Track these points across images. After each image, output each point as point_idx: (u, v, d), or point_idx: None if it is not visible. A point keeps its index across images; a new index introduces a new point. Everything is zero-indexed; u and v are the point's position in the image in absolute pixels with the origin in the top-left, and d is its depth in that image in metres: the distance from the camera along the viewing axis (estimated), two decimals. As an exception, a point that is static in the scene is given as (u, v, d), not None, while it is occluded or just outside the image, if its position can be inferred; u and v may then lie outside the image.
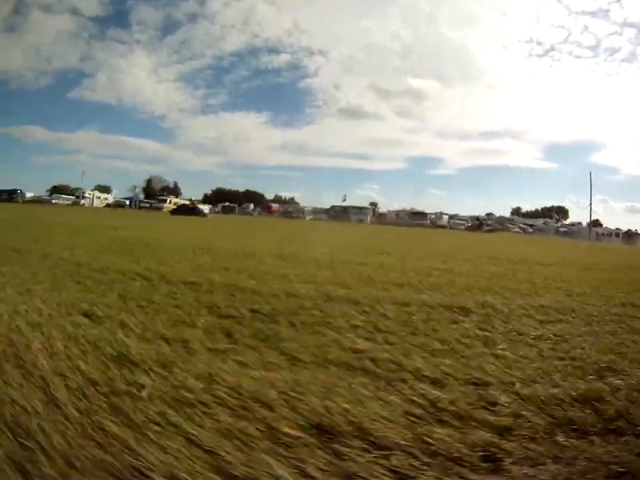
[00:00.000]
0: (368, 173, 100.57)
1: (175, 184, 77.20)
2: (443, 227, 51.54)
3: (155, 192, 69.58)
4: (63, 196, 53.39)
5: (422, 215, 54.72)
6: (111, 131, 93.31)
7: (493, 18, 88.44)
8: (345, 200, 60.72)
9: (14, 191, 47.29)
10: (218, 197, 69.48)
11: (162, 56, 77.51)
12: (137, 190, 72.73)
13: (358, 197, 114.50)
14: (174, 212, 39.48)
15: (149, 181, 75.74)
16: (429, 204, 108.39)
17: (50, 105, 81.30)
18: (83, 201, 53.09)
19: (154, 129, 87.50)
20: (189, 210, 41.06)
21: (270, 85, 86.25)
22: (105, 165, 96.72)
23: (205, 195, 73.60)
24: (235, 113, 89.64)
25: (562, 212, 73.47)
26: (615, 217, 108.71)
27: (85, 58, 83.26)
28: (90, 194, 56.55)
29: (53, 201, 49.73)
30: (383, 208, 65.51)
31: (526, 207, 77.17)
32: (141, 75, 78.36)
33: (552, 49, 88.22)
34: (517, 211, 74.62)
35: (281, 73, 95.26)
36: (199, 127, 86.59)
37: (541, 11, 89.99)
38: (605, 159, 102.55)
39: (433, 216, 55.92)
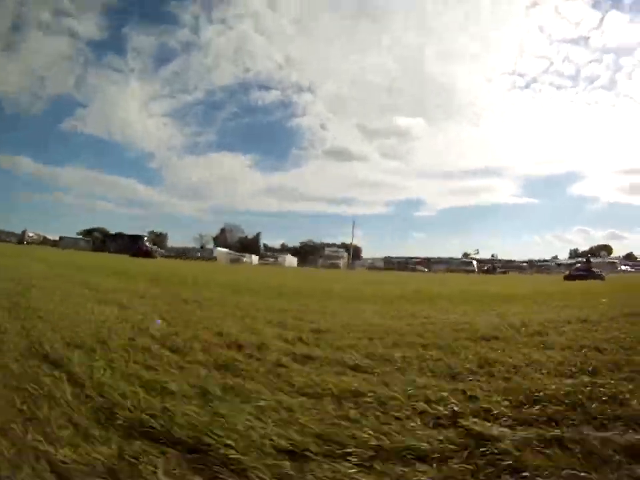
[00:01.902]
0: (351, 218, 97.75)
1: (258, 235, 74.89)
2: (471, 271, 50.65)
3: (227, 243, 67.31)
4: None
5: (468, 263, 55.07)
6: (98, 167, 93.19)
7: (478, 51, 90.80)
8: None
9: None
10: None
11: (155, 87, 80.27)
12: (205, 239, 70.88)
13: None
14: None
15: (223, 231, 74.07)
16: (410, 247, 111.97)
17: (42, 135, 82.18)
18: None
19: (141, 168, 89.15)
20: None
21: (259, 123, 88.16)
22: (88, 205, 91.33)
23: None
24: (222, 154, 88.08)
25: (606, 249, 72.70)
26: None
27: (80, 83, 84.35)
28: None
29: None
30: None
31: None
32: (133, 106, 78.68)
33: (534, 80, 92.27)
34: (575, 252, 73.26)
35: (271, 111, 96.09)
36: (186, 169, 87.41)
37: (524, 41, 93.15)
38: (584, 189, 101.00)
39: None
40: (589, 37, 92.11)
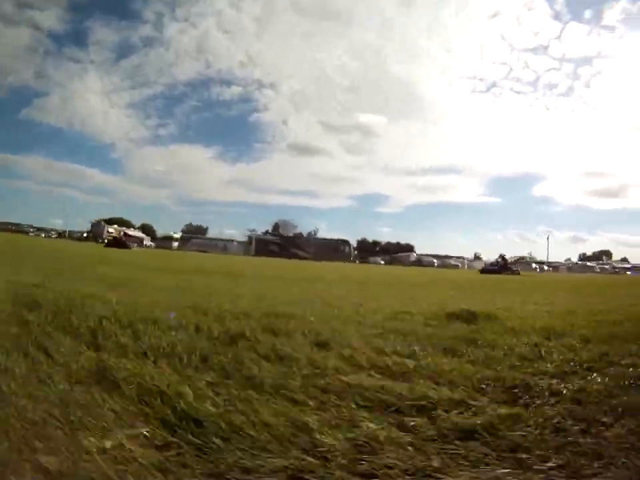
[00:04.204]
0: (316, 210, 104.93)
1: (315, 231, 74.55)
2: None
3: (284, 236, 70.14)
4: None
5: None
6: (58, 156, 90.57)
7: (439, 54, 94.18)
8: None
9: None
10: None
11: (115, 80, 77.52)
12: (253, 233, 73.03)
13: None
14: None
15: (276, 226, 75.44)
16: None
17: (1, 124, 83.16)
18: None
19: (103, 158, 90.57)
20: None
21: (220, 117, 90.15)
22: (53, 193, 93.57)
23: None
24: (184, 146, 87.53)
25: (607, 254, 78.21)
26: (560, 248, 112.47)
27: (40, 74, 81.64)
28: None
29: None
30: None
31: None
32: (93, 98, 77.92)
33: (494, 85, 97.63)
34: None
35: (232, 106, 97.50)
36: (148, 159, 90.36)
37: (484, 48, 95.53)
38: (546, 190, 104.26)
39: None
40: (548, 46, 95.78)
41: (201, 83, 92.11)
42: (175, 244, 63.25)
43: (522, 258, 66.55)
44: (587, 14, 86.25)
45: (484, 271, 36.40)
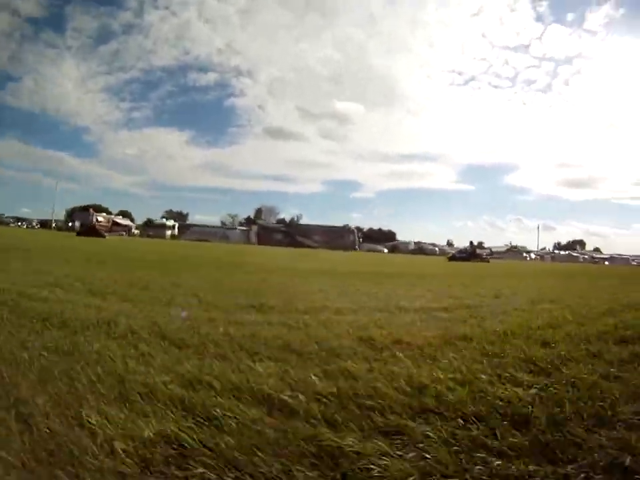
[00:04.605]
0: (291, 195, 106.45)
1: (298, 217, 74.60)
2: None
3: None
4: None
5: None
6: (31, 140, 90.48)
7: (420, 48, 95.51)
8: None
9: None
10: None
11: (92, 66, 77.42)
12: (234, 219, 72.78)
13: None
14: None
15: (259, 211, 75.26)
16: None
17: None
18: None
19: (76, 142, 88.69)
20: None
21: (195, 102, 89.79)
22: (26, 179, 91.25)
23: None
24: (159, 129, 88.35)
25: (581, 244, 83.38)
26: (529, 235, 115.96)
27: (14, 59, 78.96)
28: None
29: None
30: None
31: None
32: (68, 83, 79.09)
33: (472, 78, 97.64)
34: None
35: (208, 91, 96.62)
36: (122, 143, 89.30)
37: (465, 44, 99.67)
38: (518, 180, 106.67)
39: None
40: (529, 45, 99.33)
41: (178, 68, 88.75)
42: (168, 232, 59.36)
43: (514, 247, 70.16)
44: (570, 17, 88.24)
45: (452, 258, 35.74)
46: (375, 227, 74.88)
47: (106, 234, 41.71)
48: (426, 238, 76.63)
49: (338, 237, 56.84)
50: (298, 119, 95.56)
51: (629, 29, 78.76)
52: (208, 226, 63.97)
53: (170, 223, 63.24)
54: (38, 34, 78.32)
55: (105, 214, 59.67)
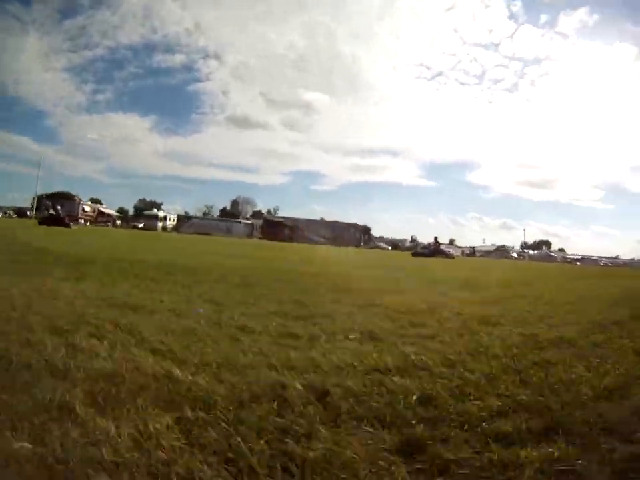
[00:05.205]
0: (253, 186, 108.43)
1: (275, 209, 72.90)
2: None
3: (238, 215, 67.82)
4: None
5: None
6: None
7: (387, 39, 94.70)
8: None
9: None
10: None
11: (56, 41, 76.61)
12: (212, 210, 70.99)
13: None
14: None
15: (235, 202, 73.83)
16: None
17: None
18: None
19: (36, 126, 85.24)
20: None
21: (160, 86, 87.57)
22: None
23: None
24: (120, 114, 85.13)
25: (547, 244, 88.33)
26: (489, 233, 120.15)
27: None
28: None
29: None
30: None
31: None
32: (29, 58, 73.50)
33: (440, 74, 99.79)
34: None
35: (174, 74, 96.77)
36: (83, 127, 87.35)
37: (435, 39, 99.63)
38: (480, 178, 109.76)
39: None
40: (499, 44, 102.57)
41: (144, 47, 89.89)
42: (159, 224, 54.87)
43: (502, 246, 74.26)
44: (543, 18, 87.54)
45: (416, 254, 35.34)
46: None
47: (78, 224, 39.35)
48: (385, 233, 75.54)
49: (344, 233, 57.16)
50: (262, 106, 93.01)
51: (600, 35, 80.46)
52: (208, 218, 61.53)
53: (161, 213, 60.06)
54: (3, 4, 73.17)
55: (90, 203, 56.05)
